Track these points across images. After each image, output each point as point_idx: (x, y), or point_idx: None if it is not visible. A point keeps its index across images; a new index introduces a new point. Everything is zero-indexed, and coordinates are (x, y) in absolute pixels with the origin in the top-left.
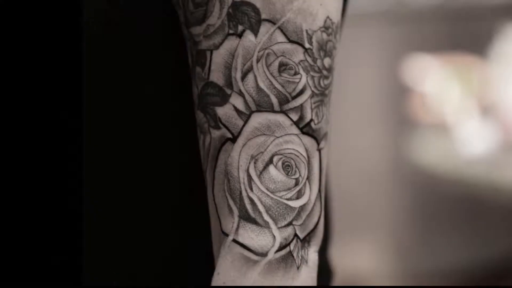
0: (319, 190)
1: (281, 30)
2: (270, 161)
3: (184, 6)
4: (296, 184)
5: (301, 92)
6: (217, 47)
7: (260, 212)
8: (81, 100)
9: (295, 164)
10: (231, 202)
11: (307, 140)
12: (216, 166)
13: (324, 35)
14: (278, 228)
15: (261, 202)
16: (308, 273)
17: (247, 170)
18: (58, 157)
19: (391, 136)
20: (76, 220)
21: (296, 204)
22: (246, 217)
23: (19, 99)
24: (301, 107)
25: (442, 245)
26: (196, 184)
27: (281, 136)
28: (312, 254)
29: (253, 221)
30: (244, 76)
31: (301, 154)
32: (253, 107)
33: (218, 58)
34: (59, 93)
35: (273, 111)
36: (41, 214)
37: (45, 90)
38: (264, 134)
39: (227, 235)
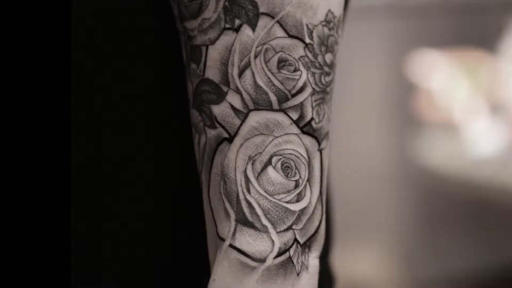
0: (320, 193)
1: (280, 25)
2: (269, 162)
3: None
4: (296, 186)
5: (301, 89)
6: (213, 42)
7: (258, 216)
8: (69, 98)
9: (295, 165)
10: (227, 205)
11: (308, 140)
12: (211, 167)
13: (326, 30)
14: (277, 232)
15: (259, 205)
16: (309, 280)
17: (245, 172)
18: (45, 159)
19: (395, 136)
20: (64, 223)
21: (296, 207)
22: (243, 221)
23: (3, 96)
24: (301, 105)
25: (449, 250)
26: (191, 186)
27: (280, 135)
28: (313, 260)
29: (250, 225)
30: (241, 73)
31: (301, 154)
32: (251, 105)
33: (214, 53)
34: (46, 91)
35: (272, 109)
36: (27, 215)
37: (31, 88)
38: (262, 134)
39: (223, 240)
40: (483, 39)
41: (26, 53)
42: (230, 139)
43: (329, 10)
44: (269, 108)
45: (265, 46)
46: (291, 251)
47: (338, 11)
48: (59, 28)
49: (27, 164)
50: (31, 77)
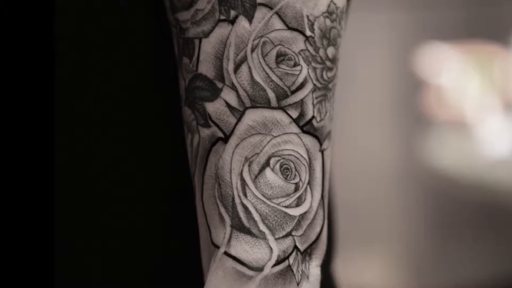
0: (322, 196)
1: (279, 16)
2: (267, 163)
3: None
4: (296, 189)
5: (302, 85)
6: (206, 35)
7: (255, 221)
8: (54, 95)
9: (295, 167)
10: (222, 210)
11: (308, 139)
12: (205, 169)
13: (328, 22)
14: (276, 239)
15: (256, 210)
16: None
17: (241, 174)
18: (29, 160)
19: (402, 136)
20: (48, 226)
21: (295, 212)
22: (239, 227)
23: None
24: (301, 103)
25: (460, 257)
26: (183, 189)
27: (278, 135)
28: (314, 269)
29: (247, 232)
30: (237, 68)
31: (302, 155)
32: (247, 103)
33: (208, 47)
34: (30, 88)
35: (270, 107)
36: (10, 217)
37: (14, 86)
38: (260, 133)
39: (218, 247)
40: (496, 32)
41: (10, 50)
42: (225, 139)
43: (332, 1)
44: (267, 105)
45: (262, 39)
46: (291, 259)
47: (341, 1)
48: (43, 20)
49: (9, 165)
50: (15, 75)
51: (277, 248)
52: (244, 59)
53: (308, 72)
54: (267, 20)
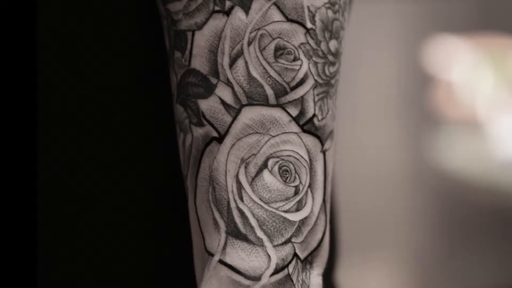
0: (324, 201)
1: (278, 7)
2: (264, 165)
3: None
4: (296, 193)
5: (302, 81)
6: (200, 27)
7: (252, 227)
8: (37, 92)
9: (295, 168)
10: (217, 215)
11: (309, 139)
12: (198, 171)
13: (330, 13)
14: (274, 246)
15: (253, 215)
16: None
17: (237, 176)
18: (11, 161)
19: (410, 135)
20: (31, 231)
21: (295, 217)
22: (235, 233)
23: None
24: (301, 100)
25: (472, 265)
26: (175, 193)
27: (277, 135)
28: (315, 278)
29: (243, 238)
30: (232, 62)
31: (302, 156)
32: (244, 100)
33: (201, 40)
34: (10, 84)
35: (268, 104)
36: None
37: None
38: (257, 133)
39: (212, 254)
40: (511, 24)
41: None
42: (220, 139)
43: None
44: (265, 103)
45: (260, 32)
46: (290, 268)
47: None
48: (25, 11)
49: None
50: None
51: (276, 256)
52: (240, 53)
53: (309, 67)
54: (265, 11)
